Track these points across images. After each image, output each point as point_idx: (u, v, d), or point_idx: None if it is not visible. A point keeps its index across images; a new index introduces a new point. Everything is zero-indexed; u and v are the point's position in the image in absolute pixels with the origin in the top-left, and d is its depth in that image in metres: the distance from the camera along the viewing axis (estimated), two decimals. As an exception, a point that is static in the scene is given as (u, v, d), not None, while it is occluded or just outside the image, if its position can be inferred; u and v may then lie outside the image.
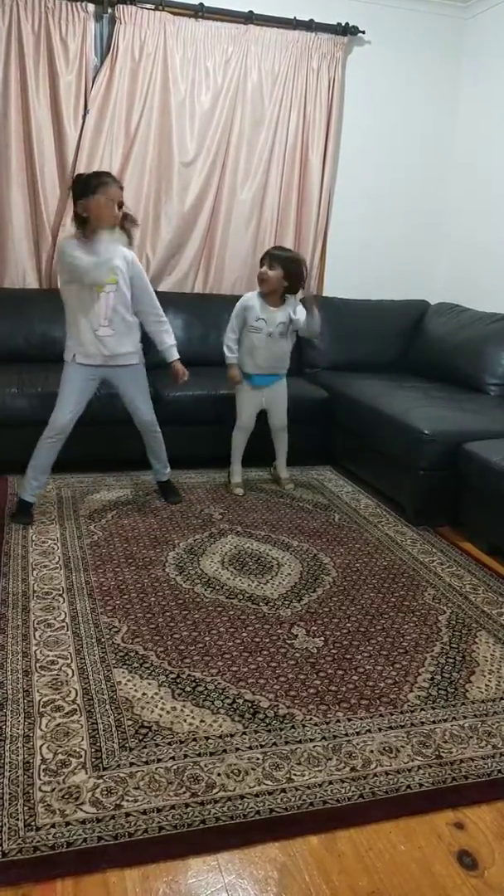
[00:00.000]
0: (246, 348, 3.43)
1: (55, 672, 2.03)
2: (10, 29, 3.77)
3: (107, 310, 2.94)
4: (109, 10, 3.92)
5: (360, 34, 4.35)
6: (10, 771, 1.65)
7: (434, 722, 1.93)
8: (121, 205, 2.85)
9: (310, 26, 4.21)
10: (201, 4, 4.00)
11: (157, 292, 4.17)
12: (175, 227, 4.24)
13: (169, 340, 3.19)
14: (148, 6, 3.94)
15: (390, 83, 4.55)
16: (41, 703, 1.89)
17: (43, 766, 1.67)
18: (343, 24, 4.27)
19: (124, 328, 3.01)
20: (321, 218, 4.53)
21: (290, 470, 3.72)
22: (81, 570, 2.65)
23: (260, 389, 3.49)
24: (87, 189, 2.78)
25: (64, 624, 2.29)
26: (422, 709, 1.98)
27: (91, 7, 3.86)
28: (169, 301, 4.16)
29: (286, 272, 3.31)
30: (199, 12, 4.02)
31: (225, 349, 3.47)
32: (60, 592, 2.48)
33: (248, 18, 4.10)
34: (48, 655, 2.11)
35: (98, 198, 2.76)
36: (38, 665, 2.06)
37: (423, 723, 1.92)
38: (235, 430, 3.57)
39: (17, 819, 1.52)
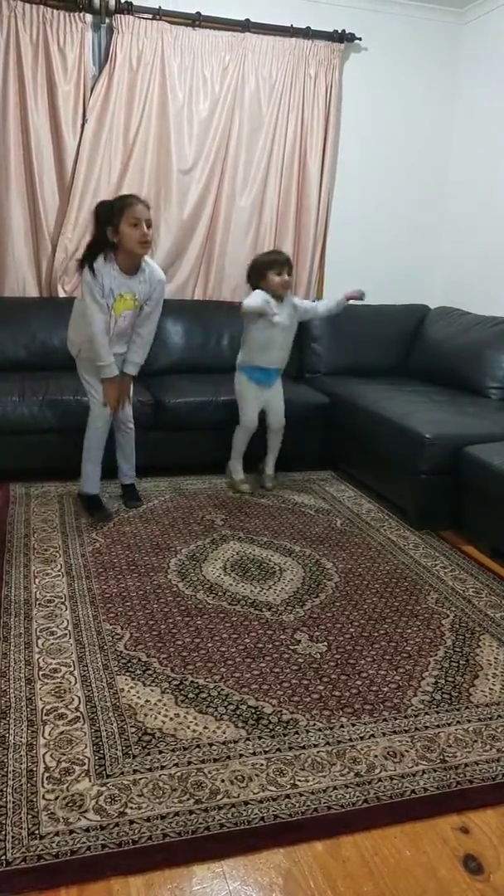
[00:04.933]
0: (261, 344, 3.44)
1: (58, 680, 2.03)
2: (9, 39, 3.79)
3: (121, 332, 3.06)
4: (107, 20, 3.94)
5: (356, 41, 4.37)
6: (13, 779, 1.65)
7: (438, 726, 1.92)
8: (149, 223, 2.87)
9: (307, 33, 4.23)
10: (198, 13, 4.02)
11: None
12: (174, 235, 4.26)
13: (139, 358, 3.17)
14: (145, 16, 3.96)
15: (387, 89, 4.56)
16: (44, 711, 1.89)
17: (46, 775, 1.67)
18: (339, 31, 4.29)
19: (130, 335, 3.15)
20: (320, 223, 4.54)
21: (291, 475, 3.73)
22: (83, 577, 2.65)
23: (262, 389, 3.51)
24: (114, 214, 2.82)
25: (66, 632, 2.28)
26: (426, 713, 1.97)
27: (89, 17, 3.88)
28: (169, 308, 4.17)
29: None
30: (197, 21, 4.04)
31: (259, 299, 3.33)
32: (63, 600, 2.48)
33: (245, 26, 4.12)
34: (51, 663, 2.11)
35: (126, 227, 2.81)
36: (40, 673, 2.06)
37: (427, 727, 1.91)
38: (239, 430, 3.57)
39: (21, 828, 1.52)
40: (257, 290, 3.37)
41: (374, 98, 4.55)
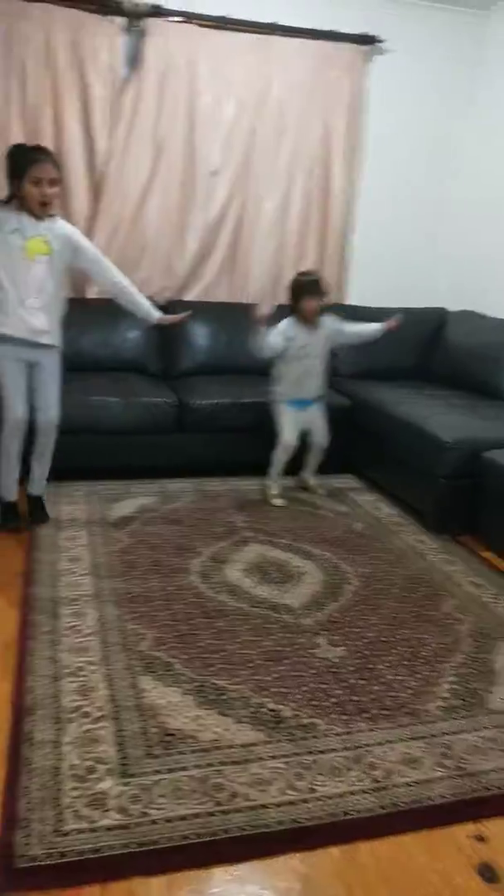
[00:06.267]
0: (294, 378, 3.46)
1: (83, 678, 2.07)
2: (44, 43, 3.82)
3: (37, 281, 2.81)
4: (138, 24, 3.97)
5: (381, 43, 4.35)
6: (38, 776, 1.69)
7: (455, 733, 1.94)
8: (53, 182, 2.71)
9: (331, 36, 4.22)
10: (225, 17, 4.04)
11: (182, 301, 4.23)
12: (200, 237, 4.28)
13: (146, 302, 3.08)
14: (175, 19, 3.98)
15: (412, 91, 4.53)
16: (70, 709, 1.93)
17: (71, 772, 1.71)
18: (364, 34, 4.27)
19: (53, 304, 2.90)
20: (344, 227, 4.54)
21: (313, 478, 3.75)
22: (109, 576, 2.69)
23: (302, 410, 3.53)
24: (17, 168, 2.67)
25: (92, 630, 2.33)
26: (443, 719, 1.99)
27: (120, 20, 3.92)
28: (195, 310, 4.20)
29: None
30: (224, 24, 4.05)
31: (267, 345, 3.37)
32: (89, 599, 2.52)
33: (271, 29, 4.13)
34: (76, 661, 2.15)
35: (28, 185, 2.65)
36: (66, 671, 2.10)
37: (444, 733, 1.94)
38: (279, 450, 3.54)
39: (46, 824, 1.56)
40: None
41: (399, 100, 4.51)
